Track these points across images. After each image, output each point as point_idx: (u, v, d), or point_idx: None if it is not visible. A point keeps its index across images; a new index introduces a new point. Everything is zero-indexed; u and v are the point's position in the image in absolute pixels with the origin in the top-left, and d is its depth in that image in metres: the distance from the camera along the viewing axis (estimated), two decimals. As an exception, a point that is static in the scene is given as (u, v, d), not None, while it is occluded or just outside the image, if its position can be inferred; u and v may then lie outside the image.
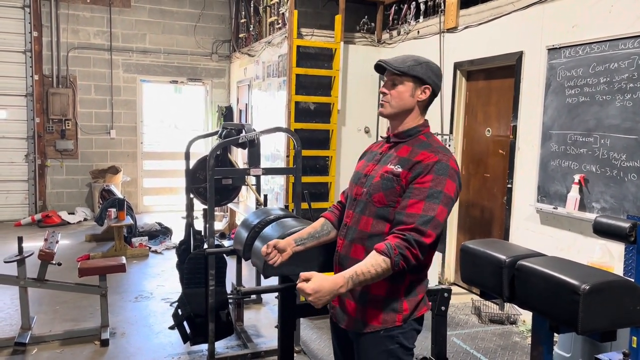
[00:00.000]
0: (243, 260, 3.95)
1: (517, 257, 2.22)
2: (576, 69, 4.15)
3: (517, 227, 4.80)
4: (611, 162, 3.88)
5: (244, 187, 4.90)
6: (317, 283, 1.74)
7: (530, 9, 4.65)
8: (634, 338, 2.66)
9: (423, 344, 3.60)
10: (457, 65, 5.56)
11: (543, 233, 4.51)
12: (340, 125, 6.67)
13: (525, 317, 4.61)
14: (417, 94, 1.98)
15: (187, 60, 9.61)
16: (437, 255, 5.22)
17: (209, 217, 3.75)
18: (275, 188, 7.06)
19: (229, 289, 3.97)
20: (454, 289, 5.37)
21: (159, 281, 5.81)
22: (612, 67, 3.87)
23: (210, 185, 3.68)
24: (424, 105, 2.03)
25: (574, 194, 4.13)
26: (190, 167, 4.58)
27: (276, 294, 2.82)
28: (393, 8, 6.69)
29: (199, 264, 3.75)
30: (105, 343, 4.10)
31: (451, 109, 5.65)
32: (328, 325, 4.45)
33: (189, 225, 4.57)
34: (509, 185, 4.90)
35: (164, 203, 9.93)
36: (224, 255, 3.85)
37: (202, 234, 4.31)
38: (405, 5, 6.41)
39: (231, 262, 4.36)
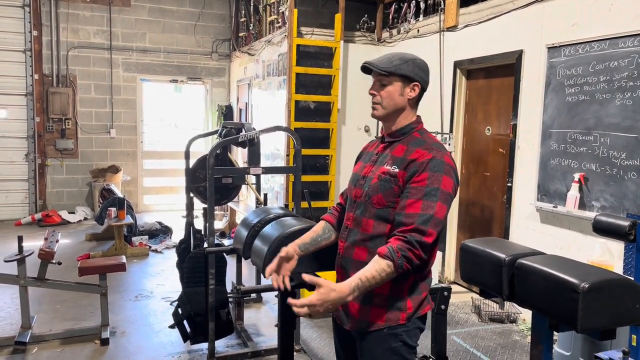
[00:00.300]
0: (243, 259, 3.95)
1: (517, 256, 2.22)
2: (576, 67, 4.15)
3: (517, 225, 4.80)
4: (611, 161, 3.88)
5: (244, 186, 4.90)
6: (323, 295, 1.73)
7: (530, 7, 4.64)
8: (634, 336, 2.67)
9: (423, 342, 3.59)
10: (457, 64, 5.56)
11: (543, 232, 4.51)
12: (340, 124, 6.67)
13: (525, 315, 4.61)
14: (407, 92, 1.97)
15: (187, 59, 9.61)
16: (437, 255, 5.23)
17: (208, 216, 3.75)
18: (275, 187, 7.06)
19: (229, 287, 3.97)
20: (454, 287, 5.37)
21: (159, 280, 5.82)
22: (612, 65, 3.86)
23: (210, 184, 3.68)
24: (415, 102, 2.02)
25: (573, 193, 4.13)
26: (190, 166, 4.58)
27: (276, 292, 2.82)
28: (393, 7, 6.69)
29: (199, 263, 3.75)
30: (105, 342, 4.10)
31: (451, 107, 5.65)
32: (328, 324, 4.45)
33: (189, 224, 4.57)
34: (509, 184, 4.90)
35: (164, 202, 9.93)
36: (224, 254, 3.85)
37: (202, 233, 4.32)
38: (405, 4, 6.40)
39: (231, 261, 4.36)
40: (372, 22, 6.97)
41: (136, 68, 9.32)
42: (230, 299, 4.09)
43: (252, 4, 8.22)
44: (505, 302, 4.75)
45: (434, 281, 5.56)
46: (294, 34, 6.31)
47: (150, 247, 7.05)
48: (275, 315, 3.45)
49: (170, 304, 4.94)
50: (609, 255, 3.86)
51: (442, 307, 2.75)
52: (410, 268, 1.80)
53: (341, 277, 2.05)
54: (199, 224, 4.62)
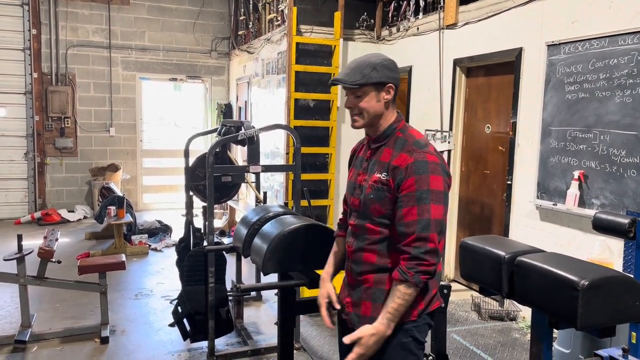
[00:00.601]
0: (243, 258, 3.95)
1: (517, 253, 2.22)
2: (576, 65, 4.15)
3: (517, 223, 4.80)
4: (611, 158, 3.88)
5: (243, 185, 4.90)
6: (365, 343, 1.88)
7: (530, 5, 4.64)
8: (634, 334, 2.67)
9: (423, 340, 3.60)
10: (457, 62, 5.55)
11: (543, 229, 4.51)
12: (339, 122, 6.66)
13: (525, 313, 4.61)
14: (383, 96, 1.97)
15: (186, 57, 9.60)
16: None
17: (208, 214, 3.75)
18: (275, 185, 7.06)
19: (228, 286, 3.97)
20: (454, 285, 5.38)
21: (159, 279, 5.82)
22: (612, 63, 3.86)
23: (209, 183, 3.68)
24: (392, 102, 2.02)
25: (573, 190, 4.13)
26: (190, 164, 4.58)
27: (276, 291, 2.82)
28: (392, 4, 6.67)
29: (198, 261, 3.75)
30: (105, 340, 4.10)
31: (451, 105, 5.65)
32: (328, 322, 4.41)
33: (189, 222, 4.57)
34: (509, 182, 4.89)
35: (164, 201, 9.93)
36: (224, 252, 3.85)
37: (202, 231, 4.31)
38: (405, 2, 6.40)
39: (231, 260, 4.36)
40: (372, 20, 6.96)
41: (135, 66, 9.31)
42: (230, 297, 4.09)
43: (251, 2, 8.21)
44: (505, 300, 4.75)
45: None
46: (294, 32, 6.30)
47: (149, 245, 7.04)
48: (275, 313, 3.44)
49: (170, 303, 4.93)
50: (609, 253, 3.86)
51: (442, 305, 2.74)
52: (431, 277, 1.87)
53: (351, 279, 2.08)
54: (198, 222, 4.61)
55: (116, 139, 9.30)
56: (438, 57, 5.77)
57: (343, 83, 1.96)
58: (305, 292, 4.14)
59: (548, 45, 4.39)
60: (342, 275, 2.23)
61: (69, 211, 8.75)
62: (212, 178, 3.69)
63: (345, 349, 2.24)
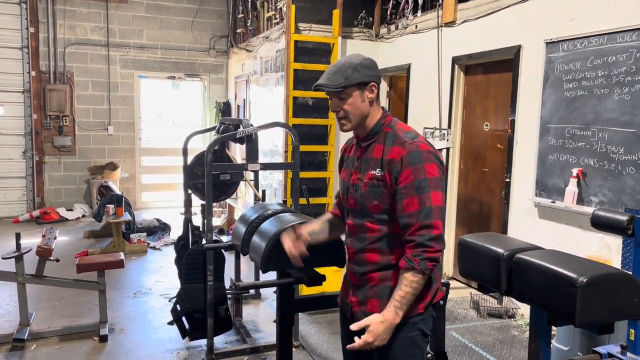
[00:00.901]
0: (241, 256, 3.95)
1: (515, 251, 2.22)
2: (574, 62, 4.15)
3: (516, 221, 4.80)
4: (609, 156, 3.88)
5: (242, 183, 4.89)
6: (373, 330, 1.85)
7: (528, 2, 4.64)
8: (632, 330, 2.67)
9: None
10: (455, 60, 5.55)
11: (541, 227, 4.51)
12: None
13: (524, 311, 4.62)
14: (367, 95, 1.98)
15: (184, 55, 9.58)
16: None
17: (207, 212, 3.74)
18: (274, 184, 7.06)
19: (227, 284, 3.97)
20: (453, 283, 5.39)
21: (158, 277, 5.81)
22: (610, 60, 3.86)
23: (208, 181, 3.67)
24: (376, 99, 2.03)
25: (572, 188, 4.13)
26: (188, 163, 4.57)
27: (275, 288, 2.82)
28: (391, 2, 6.66)
29: (197, 259, 3.75)
30: (104, 339, 4.10)
31: (449, 103, 5.64)
32: (326, 319, 4.46)
33: (187, 221, 4.57)
34: (507, 180, 4.90)
35: (163, 199, 9.92)
36: (222, 250, 3.84)
37: (201, 229, 4.31)
38: (403, 0, 6.39)
39: (229, 258, 4.36)
40: (370, 18, 6.95)
41: (133, 65, 9.29)
42: (229, 295, 4.09)
43: (249, 0, 8.20)
44: (503, 298, 4.76)
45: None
46: (292, 30, 6.29)
47: (148, 244, 7.04)
48: (274, 311, 3.44)
49: (169, 301, 4.93)
50: (607, 250, 3.86)
51: (441, 302, 2.74)
52: (437, 264, 1.88)
53: (355, 280, 2.08)
54: (197, 220, 4.61)
55: (114, 137, 9.28)
56: (436, 54, 5.77)
57: (327, 87, 1.96)
58: (304, 290, 4.14)
59: (546, 43, 4.39)
60: (339, 274, 2.23)
61: (67, 210, 8.74)
62: (211, 176, 3.68)
63: (348, 350, 2.25)
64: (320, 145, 6.57)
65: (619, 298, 1.96)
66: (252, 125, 4.11)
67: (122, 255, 4.39)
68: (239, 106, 9.12)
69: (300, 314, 4.26)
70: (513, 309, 4.71)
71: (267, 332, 4.32)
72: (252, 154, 4.09)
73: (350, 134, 2.14)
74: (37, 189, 8.80)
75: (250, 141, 4.05)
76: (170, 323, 4.13)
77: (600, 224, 2.80)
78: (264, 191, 4.72)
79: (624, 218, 2.65)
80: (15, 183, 8.74)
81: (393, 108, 6.87)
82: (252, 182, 4.71)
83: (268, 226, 2.80)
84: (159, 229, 7.61)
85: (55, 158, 8.90)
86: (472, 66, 5.53)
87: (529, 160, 4.62)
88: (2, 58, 8.47)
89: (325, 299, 2.80)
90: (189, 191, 4.55)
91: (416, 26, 6.18)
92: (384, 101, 6.83)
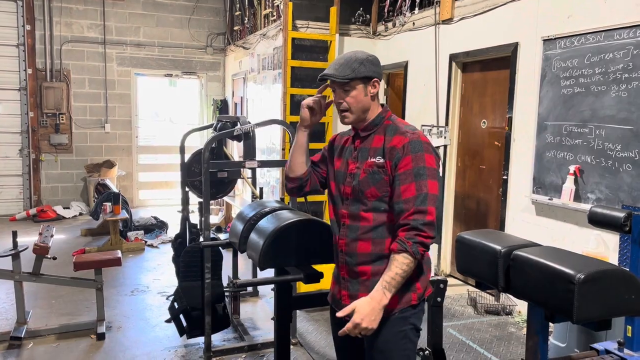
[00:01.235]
0: (239, 253, 3.94)
1: (513, 247, 2.22)
2: (571, 59, 4.15)
3: (513, 218, 4.81)
4: (606, 153, 3.88)
5: (239, 181, 4.89)
6: (360, 310, 1.85)
7: (526, -1, 4.64)
8: (629, 327, 2.68)
9: (419, 335, 3.61)
10: (453, 57, 5.55)
11: (538, 224, 4.52)
12: (335, 118, 6.65)
13: (521, 307, 4.63)
14: (370, 90, 2.04)
15: (181, 53, 9.56)
16: (433, 247, 5.23)
17: (204, 210, 3.74)
18: (271, 181, 7.05)
19: (225, 282, 3.96)
20: (450, 280, 5.39)
21: (155, 275, 5.81)
22: (607, 57, 3.86)
23: (205, 179, 3.67)
24: (377, 95, 2.09)
25: (569, 185, 4.14)
26: (186, 160, 4.56)
27: (272, 286, 2.81)
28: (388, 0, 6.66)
29: (194, 257, 3.74)
30: (101, 337, 4.09)
31: (447, 100, 5.64)
32: (324, 317, 4.45)
33: (185, 218, 4.56)
34: (505, 177, 4.90)
35: (160, 197, 9.91)
36: (220, 248, 3.84)
37: (198, 227, 4.30)
38: (401, -3, 6.38)
39: (227, 255, 4.35)
40: (368, 15, 6.94)
41: (130, 62, 9.27)
42: (227, 293, 4.08)
43: (246, -2, 8.18)
44: (500, 295, 4.77)
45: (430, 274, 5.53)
46: (289, 28, 6.28)
47: (145, 242, 7.03)
48: (272, 308, 3.45)
49: (167, 299, 4.93)
50: (604, 247, 3.87)
51: (438, 299, 2.75)
52: (426, 249, 1.91)
53: (347, 273, 2.08)
54: (194, 218, 4.60)
55: (111, 135, 9.27)
56: (434, 52, 5.76)
57: (334, 77, 2.01)
58: (302, 288, 4.14)
59: (544, 40, 4.39)
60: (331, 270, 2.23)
61: (64, 208, 8.72)
62: (208, 174, 3.68)
63: (340, 344, 2.25)
64: (317, 143, 6.55)
65: (616, 295, 1.97)
66: (249, 123, 4.10)
67: (119, 253, 4.38)
68: (236, 104, 9.11)
69: (298, 311, 4.26)
70: (510, 305, 4.72)
71: (264, 329, 4.33)
72: (249, 151, 4.08)
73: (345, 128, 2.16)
74: (33, 187, 8.78)
75: (248, 139, 4.04)
76: (167, 321, 4.13)
77: (597, 221, 2.80)
78: (261, 189, 4.72)
79: (621, 215, 2.65)
80: (11, 181, 8.71)
81: (390, 105, 6.87)
82: (249, 180, 4.71)
83: (266, 224, 2.80)
84: (156, 226, 7.60)
85: (52, 156, 8.88)
86: (470, 63, 5.53)
87: (526, 158, 4.62)
88: (-2, 55, 8.45)
89: (323, 296, 2.79)
90: (187, 189, 4.54)
91: (413, 23, 6.17)
92: (381, 99, 6.82)
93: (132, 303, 4.95)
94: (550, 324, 2.20)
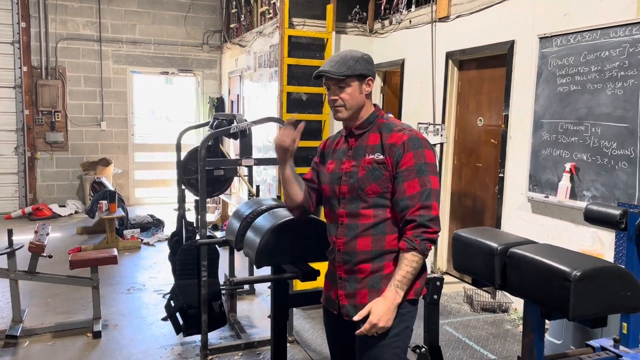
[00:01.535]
0: (235, 251, 3.94)
1: (509, 245, 2.22)
2: (567, 57, 4.16)
3: (509, 216, 4.82)
4: (602, 151, 3.89)
5: (236, 179, 4.89)
6: (375, 311, 1.90)
7: (522, -3, 4.64)
8: (625, 324, 2.69)
9: (415, 332, 3.61)
10: (449, 55, 5.55)
11: (534, 222, 4.53)
12: (332, 115, 6.65)
13: (517, 305, 4.64)
14: (364, 88, 2.06)
15: (177, 51, 9.54)
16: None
17: (200, 208, 3.73)
18: (268, 179, 7.05)
19: (221, 279, 3.96)
20: (446, 278, 5.40)
21: (152, 273, 5.80)
22: (603, 55, 3.87)
23: (201, 177, 3.66)
24: (370, 95, 2.11)
25: (565, 183, 4.15)
26: (182, 158, 4.55)
27: (269, 284, 2.81)
28: (385, -3, 6.66)
29: (191, 255, 3.73)
30: (97, 335, 4.08)
31: (443, 98, 5.65)
32: (321, 315, 4.44)
33: (181, 217, 4.55)
34: (501, 175, 4.91)
35: (156, 195, 9.89)
36: (216, 246, 3.84)
37: (194, 225, 4.30)
38: (397, -5, 6.38)
39: (223, 253, 4.35)
40: (364, 13, 6.93)
41: (126, 60, 9.24)
42: (223, 291, 4.08)
43: (243, -5, 8.16)
44: (497, 292, 4.78)
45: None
46: (286, 25, 6.27)
47: (142, 240, 7.02)
48: (268, 306, 3.44)
49: (163, 297, 4.93)
50: (600, 245, 3.89)
51: (435, 297, 2.75)
52: (434, 245, 1.95)
53: (344, 273, 2.07)
54: (191, 216, 4.60)
55: (107, 133, 9.24)
56: (430, 50, 5.77)
57: (330, 74, 2.02)
58: (298, 285, 4.14)
59: (540, 38, 4.39)
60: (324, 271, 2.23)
61: (60, 206, 8.70)
62: (205, 172, 3.67)
63: (335, 344, 2.25)
64: (314, 141, 6.54)
65: (612, 292, 1.97)
66: (245, 121, 4.09)
67: (115, 252, 4.37)
68: (232, 102, 9.09)
69: (294, 309, 4.26)
70: (506, 303, 4.73)
71: (261, 327, 4.32)
72: (245, 149, 4.08)
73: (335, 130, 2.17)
74: (29, 185, 8.74)
75: (244, 136, 4.04)
76: (164, 319, 4.12)
77: (593, 218, 2.81)
78: (257, 187, 4.71)
79: (617, 212, 2.66)
80: (7, 179, 8.68)
81: (387, 103, 6.87)
82: (246, 178, 4.70)
83: (262, 221, 2.80)
84: (153, 225, 7.59)
85: (48, 154, 8.85)
86: (466, 61, 5.53)
87: (522, 155, 4.63)
88: (-7, 53, 8.41)
89: (320, 294, 2.79)
90: (183, 187, 4.53)
91: (410, 21, 6.17)
92: (377, 96, 6.82)
93: (128, 301, 4.94)
94: (546, 321, 2.21)
